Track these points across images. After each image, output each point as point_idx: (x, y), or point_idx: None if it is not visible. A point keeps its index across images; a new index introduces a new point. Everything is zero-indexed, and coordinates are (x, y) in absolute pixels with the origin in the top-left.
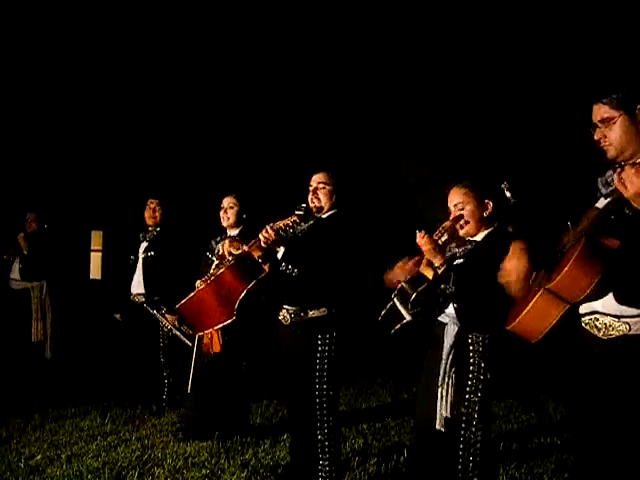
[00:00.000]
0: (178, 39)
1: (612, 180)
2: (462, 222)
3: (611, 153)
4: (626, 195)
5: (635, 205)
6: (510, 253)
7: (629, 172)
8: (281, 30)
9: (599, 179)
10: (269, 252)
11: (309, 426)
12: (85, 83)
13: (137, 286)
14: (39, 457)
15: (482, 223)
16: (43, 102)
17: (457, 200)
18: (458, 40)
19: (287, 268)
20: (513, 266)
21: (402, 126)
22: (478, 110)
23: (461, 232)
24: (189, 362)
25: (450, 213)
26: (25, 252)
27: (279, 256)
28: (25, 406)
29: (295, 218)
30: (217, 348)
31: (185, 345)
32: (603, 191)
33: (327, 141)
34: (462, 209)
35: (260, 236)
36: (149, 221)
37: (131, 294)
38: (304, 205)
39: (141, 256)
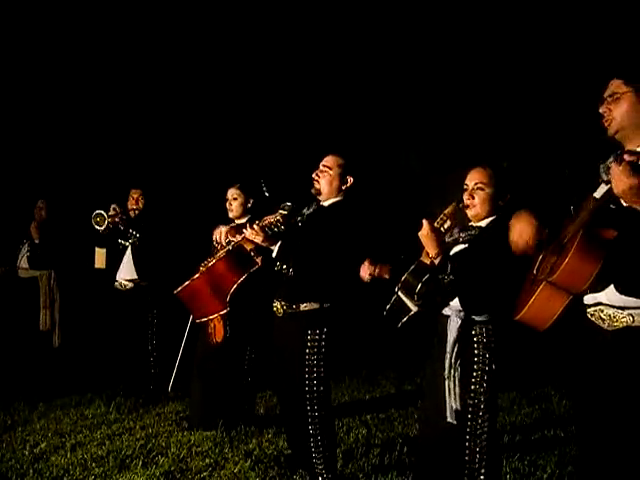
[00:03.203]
0: (177, 30)
1: None
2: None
3: (612, 129)
4: (615, 192)
5: (624, 202)
6: (512, 220)
7: (616, 170)
8: (284, 25)
9: (600, 165)
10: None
11: (301, 420)
12: (91, 75)
13: (123, 271)
14: (44, 445)
15: (493, 210)
16: (54, 94)
17: (479, 179)
18: (463, 31)
19: (282, 268)
20: (520, 229)
21: (406, 117)
22: (482, 97)
23: (470, 212)
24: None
25: (464, 190)
26: (36, 241)
27: (273, 255)
28: (30, 394)
29: (279, 217)
30: (220, 337)
31: None
32: (604, 177)
33: (334, 130)
34: (481, 189)
35: (245, 232)
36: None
37: (116, 280)
38: (289, 204)
39: (128, 243)
